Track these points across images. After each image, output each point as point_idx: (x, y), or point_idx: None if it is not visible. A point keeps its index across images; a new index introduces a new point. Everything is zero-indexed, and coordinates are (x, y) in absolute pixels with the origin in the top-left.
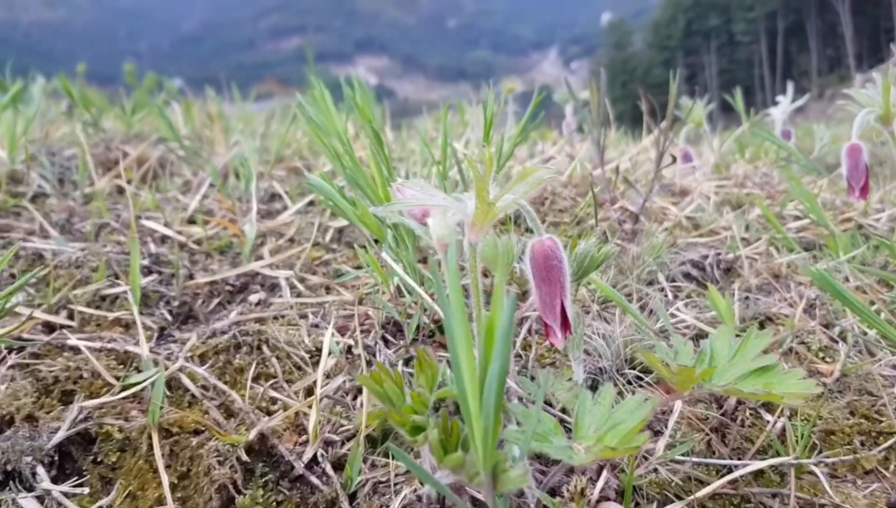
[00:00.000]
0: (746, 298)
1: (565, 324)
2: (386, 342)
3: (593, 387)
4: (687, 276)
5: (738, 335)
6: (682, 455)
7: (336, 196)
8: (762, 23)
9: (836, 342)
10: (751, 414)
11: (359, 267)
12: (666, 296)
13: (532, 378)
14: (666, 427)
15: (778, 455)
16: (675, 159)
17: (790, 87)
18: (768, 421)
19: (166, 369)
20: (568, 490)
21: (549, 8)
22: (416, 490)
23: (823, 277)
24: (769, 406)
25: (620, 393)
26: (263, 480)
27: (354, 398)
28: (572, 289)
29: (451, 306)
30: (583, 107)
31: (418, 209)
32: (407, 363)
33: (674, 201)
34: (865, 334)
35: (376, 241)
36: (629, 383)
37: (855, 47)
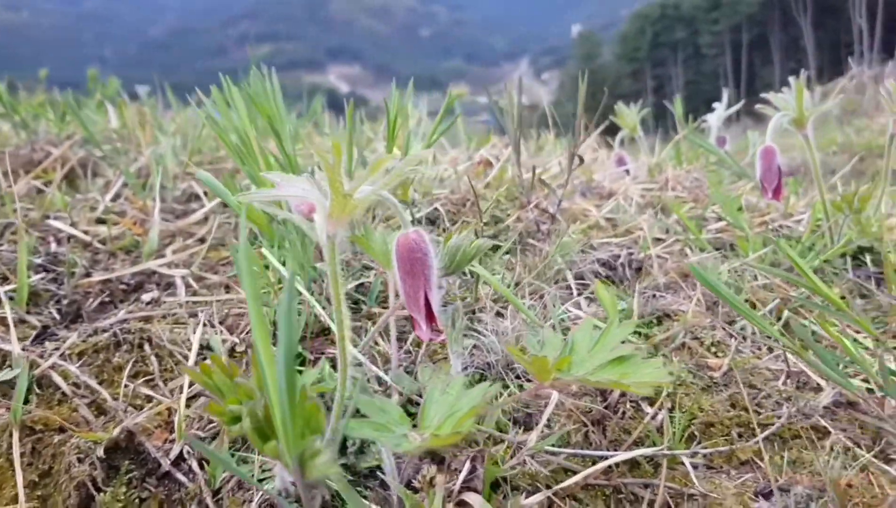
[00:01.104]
0: (654, 295)
1: (431, 317)
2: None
3: (482, 381)
4: (596, 274)
5: (639, 333)
6: (559, 446)
7: (223, 191)
8: (727, 36)
9: (734, 337)
10: (632, 406)
11: (266, 266)
12: (571, 294)
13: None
14: (542, 419)
15: (654, 445)
16: (581, 161)
17: (725, 94)
18: (648, 413)
19: (37, 366)
20: (418, 481)
21: (521, 19)
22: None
23: (700, 272)
24: (651, 398)
25: (507, 387)
26: (128, 477)
27: None
28: (440, 282)
29: (250, 299)
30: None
31: (305, 205)
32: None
33: (598, 204)
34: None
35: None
36: (518, 377)
37: (816, 60)
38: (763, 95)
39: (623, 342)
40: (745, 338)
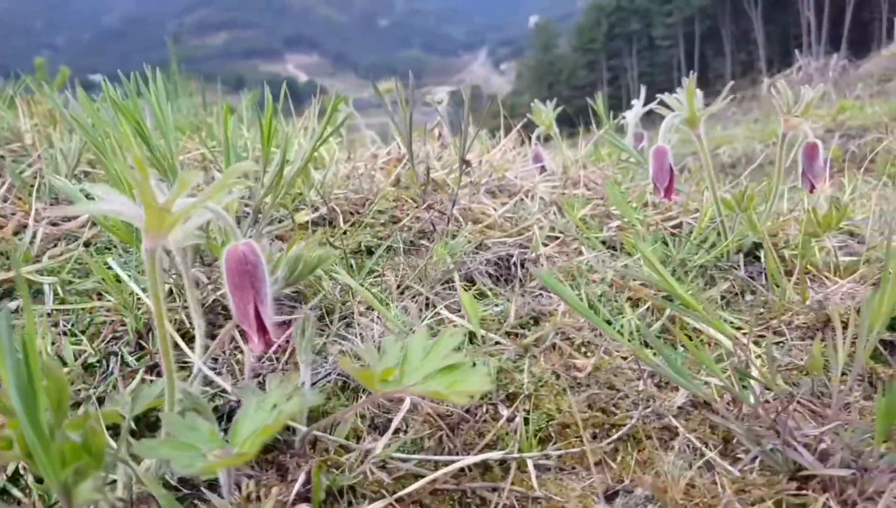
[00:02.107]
0: (541, 295)
1: (264, 330)
2: (142, 348)
3: (344, 388)
4: (486, 274)
5: (513, 335)
6: (412, 451)
7: (78, 198)
8: (680, 28)
9: (605, 338)
10: (491, 409)
11: (143, 272)
12: (455, 295)
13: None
14: (392, 426)
15: (508, 448)
16: (468, 164)
17: (643, 90)
18: (504, 416)
19: None
20: (239, 495)
21: (479, 9)
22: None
23: (542, 274)
24: (511, 401)
25: (369, 393)
26: None
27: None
28: (272, 292)
29: None
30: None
31: None
32: (151, 370)
33: (504, 202)
34: (638, 329)
35: None
36: None
37: (766, 52)
38: (659, 96)
39: (457, 350)
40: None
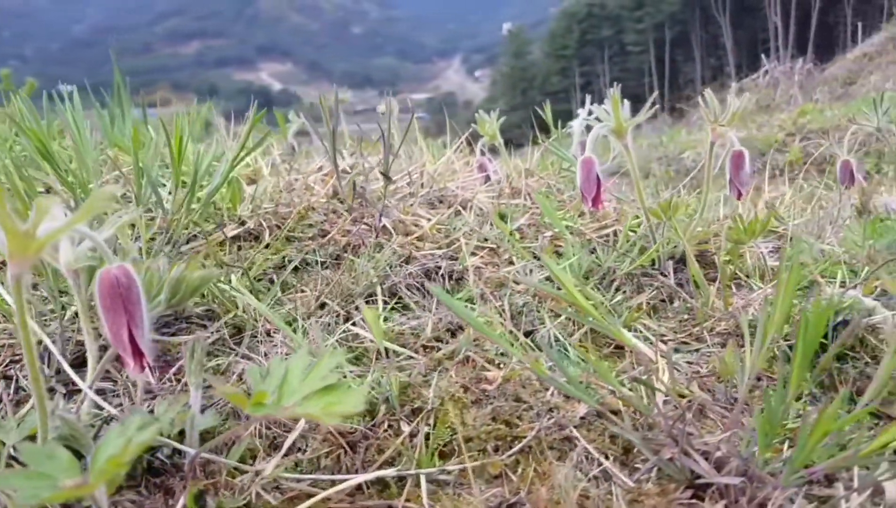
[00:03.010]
0: (465, 307)
1: (141, 353)
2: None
3: None
4: (412, 287)
5: (429, 348)
6: (308, 471)
7: None
8: (651, 34)
9: (532, 349)
10: (394, 424)
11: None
12: (377, 310)
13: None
14: (285, 445)
15: (409, 464)
16: (390, 180)
17: (588, 99)
18: (406, 431)
19: None
20: None
21: (452, 16)
22: None
23: (434, 288)
24: (415, 416)
25: None
26: None
27: None
28: (148, 315)
29: None
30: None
31: None
32: (49, 392)
33: (440, 213)
34: (557, 339)
35: None
36: None
37: (735, 57)
38: (593, 106)
39: (335, 370)
40: (532, 348)
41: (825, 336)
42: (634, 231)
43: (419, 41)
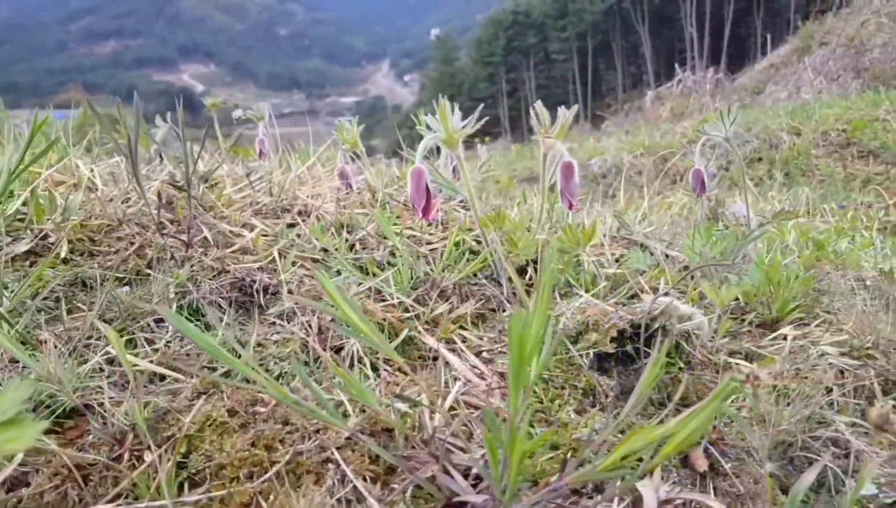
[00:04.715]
0: (273, 323)
1: None
2: None
3: None
4: (216, 303)
5: (212, 367)
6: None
7: None
8: (574, 42)
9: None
10: (138, 453)
11: None
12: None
13: None
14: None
15: (153, 495)
16: (179, 188)
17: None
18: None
19: None
20: None
21: (379, 20)
22: None
23: (167, 314)
24: (167, 442)
25: None
26: None
27: None
28: None
29: None
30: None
31: None
32: None
33: (276, 223)
34: (361, 359)
35: None
36: None
37: (654, 66)
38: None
39: (26, 401)
40: (338, 364)
41: (647, 343)
42: (479, 242)
43: (347, 44)
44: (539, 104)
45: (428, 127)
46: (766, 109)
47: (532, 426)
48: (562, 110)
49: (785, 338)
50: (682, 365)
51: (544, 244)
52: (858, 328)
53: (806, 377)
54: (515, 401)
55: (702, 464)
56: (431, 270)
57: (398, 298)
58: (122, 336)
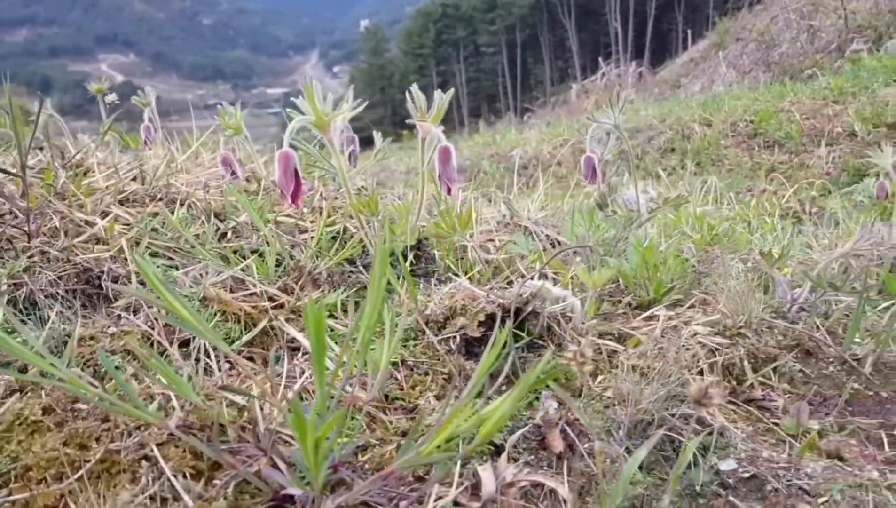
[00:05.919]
0: (118, 317)
1: None
2: None
3: None
4: (56, 296)
5: None
6: None
7: None
8: (503, 35)
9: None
10: None
11: None
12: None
13: None
14: None
15: None
16: (10, 173)
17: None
18: None
19: None
20: None
21: (306, 11)
22: None
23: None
24: None
25: None
26: None
27: None
28: None
29: None
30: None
31: None
32: None
33: (140, 211)
34: (209, 353)
35: None
36: None
37: (580, 59)
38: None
39: None
40: (185, 358)
41: (520, 327)
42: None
43: (273, 35)
44: (415, 87)
45: (298, 109)
46: (681, 101)
47: (385, 412)
48: (437, 94)
49: (658, 318)
50: (553, 347)
51: (422, 230)
52: (732, 307)
53: (668, 357)
54: (321, 388)
55: (558, 445)
56: (301, 257)
57: (261, 287)
58: None
